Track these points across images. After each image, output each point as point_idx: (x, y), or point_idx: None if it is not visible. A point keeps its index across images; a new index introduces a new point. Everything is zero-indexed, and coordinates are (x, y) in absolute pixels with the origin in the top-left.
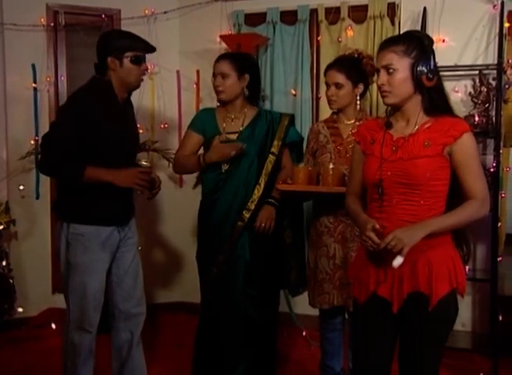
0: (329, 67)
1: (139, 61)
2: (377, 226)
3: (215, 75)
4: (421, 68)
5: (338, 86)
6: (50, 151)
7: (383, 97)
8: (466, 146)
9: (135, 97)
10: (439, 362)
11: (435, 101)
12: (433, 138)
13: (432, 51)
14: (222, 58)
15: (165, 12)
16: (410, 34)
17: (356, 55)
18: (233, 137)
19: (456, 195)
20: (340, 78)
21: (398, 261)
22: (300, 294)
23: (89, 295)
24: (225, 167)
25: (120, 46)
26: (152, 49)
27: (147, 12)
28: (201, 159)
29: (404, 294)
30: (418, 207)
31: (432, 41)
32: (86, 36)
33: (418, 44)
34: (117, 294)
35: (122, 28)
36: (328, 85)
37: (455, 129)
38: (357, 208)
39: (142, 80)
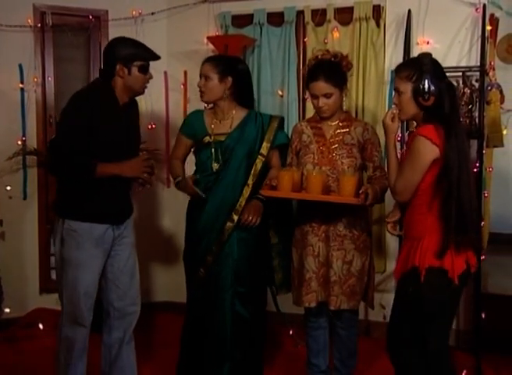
0: (314, 79)
1: (146, 70)
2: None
3: (200, 76)
4: (418, 91)
5: (327, 95)
6: (61, 152)
7: (398, 114)
8: (412, 145)
9: None
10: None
11: (433, 117)
12: (408, 144)
13: (430, 73)
14: (206, 60)
15: (152, 13)
16: (415, 60)
17: (332, 59)
18: (222, 138)
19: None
20: (329, 88)
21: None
22: (284, 294)
23: (80, 290)
24: (215, 167)
25: (129, 54)
26: (157, 58)
27: (134, 13)
28: (178, 184)
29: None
30: (410, 206)
31: (430, 63)
32: (73, 36)
33: (418, 68)
34: (112, 292)
35: (110, 29)
36: (315, 96)
37: (413, 135)
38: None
39: (146, 87)
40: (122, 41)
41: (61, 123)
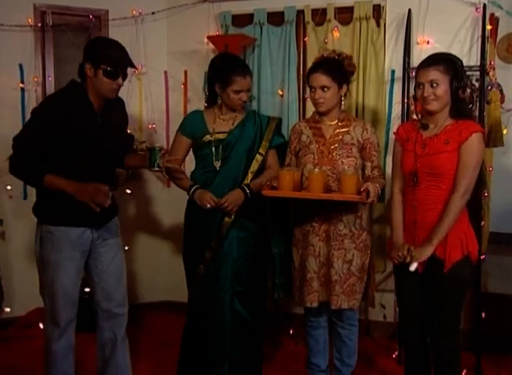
0: (313, 70)
1: (112, 75)
2: (404, 252)
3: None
4: (457, 84)
5: (325, 88)
6: (16, 152)
7: (427, 104)
8: (470, 145)
9: (122, 96)
10: (455, 316)
11: (461, 109)
12: (452, 137)
13: (464, 70)
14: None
15: (152, 13)
16: (446, 56)
17: (336, 57)
18: (223, 136)
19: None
20: (326, 80)
21: (414, 266)
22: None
23: (58, 291)
24: (216, 165)
25: (98, 55)
26: (130, 65)
27: (134, 12)
28: (190, 193)
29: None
30: (440, 191)
31: (462, 62)
32: (73, 36)
33: (454, 64)
34: (98, 294)
35: (110, 29)
36: (313, 88)
37: (467, 129)
38: (398, 220)
39: (117, 92)
40: (100, 40)
41: (27, 123)
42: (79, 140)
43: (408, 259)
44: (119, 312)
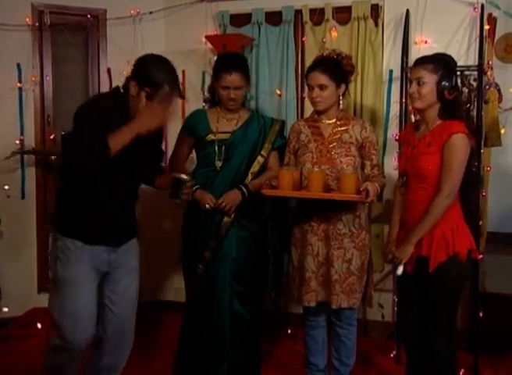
0: (312, 69)
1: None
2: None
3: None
4: (445, 84)
5: (322, 87)
6: (71, 145)
7: (412, 102)
8: (451, 146)
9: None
10: (450, 314)
11: (450, 110)
12: (435, 139)
13: (455, 72)
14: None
15: (150, 13)
16: (439, 57)
17: (335, 56)
18: (226, 136)
19: (467, 184)
20: (324, 79)
21: (400, 269)
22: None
23: (68, 308)
24: (218, 165)
25: (144, 76)
26: (177, 95)
27: (132, 12)
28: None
29: (413, 258)
30: (425, 192)
31: (455, 64)
32: (71, 36)
33: (444, 65)
34: (107, 319)
35: (108, 28)
36: (311, 87)
37: (447, 130)
38: (394, 219)
39: None
40: (150, 60)
41: (75, 125)
42: None
43: (390, 258)
44: (126, 340)
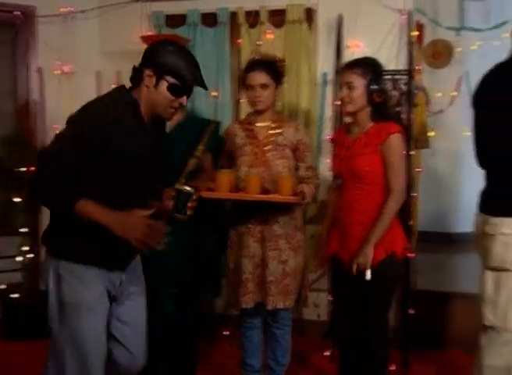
0: (251, 69)
1: (177, 92)
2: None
3: None
4: (374, 88)
5: (264, 86)
6: (44, 166)
7: (343, 106)
8: (389, 145)
9: (51, 97)
10: (386, 312)
11: (380, 112)
12: (370, 140)
13: (382, 76)
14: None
15: (82, 12)
16: (367, 61)
17: (269, 59)
18: None
19: None
20: (265, 78)
21: (368, 274)
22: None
23: (87, 343)
24: None
25: (166, 64)
26: (200, 85)
27: (63, 10)
28: None
29: (347, 257)
30: (362, 192)
31: (382, 67)
32: None
33: (373, 69)
34: (117, 350)
35: (39, 26)
36: (250, 87)
37: (384, 131)
38: (330, 221)
39: (174, 114)
40: (169, 46)
41: (60, 133)
42: (123, 159)
43: (355, 267)
44: (136, 369)
